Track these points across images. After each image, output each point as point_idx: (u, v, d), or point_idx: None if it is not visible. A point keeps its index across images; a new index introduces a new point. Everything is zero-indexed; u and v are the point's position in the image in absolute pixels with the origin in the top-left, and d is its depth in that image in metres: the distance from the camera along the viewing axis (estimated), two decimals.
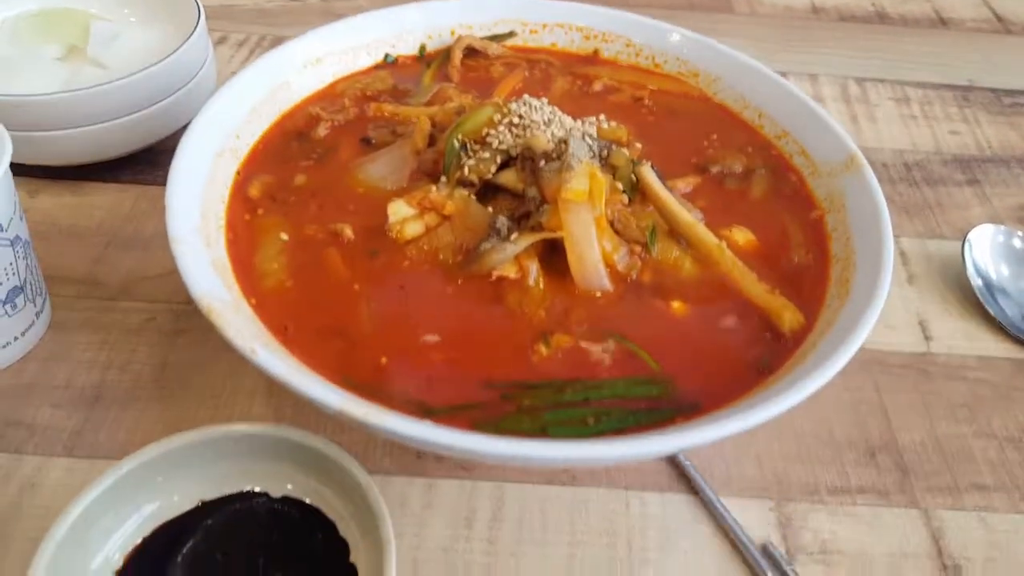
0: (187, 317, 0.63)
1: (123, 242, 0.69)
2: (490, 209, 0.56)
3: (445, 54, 0.72)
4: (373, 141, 0.63)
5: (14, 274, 0.56)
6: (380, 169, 0.60)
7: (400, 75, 0.71)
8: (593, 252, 0.53)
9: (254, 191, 0.58)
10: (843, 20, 1.11)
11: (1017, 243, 0.72)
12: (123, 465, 0.47)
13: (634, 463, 0.55)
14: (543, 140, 0.56)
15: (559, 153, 0.55)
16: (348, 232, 0.55)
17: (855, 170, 0.58)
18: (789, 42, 1.05)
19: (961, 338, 0.69)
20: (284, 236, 0.55)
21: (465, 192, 0.56)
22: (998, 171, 0.87)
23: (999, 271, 0.70)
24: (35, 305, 0.59)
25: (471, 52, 0.73)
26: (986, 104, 0.97)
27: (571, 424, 0.46)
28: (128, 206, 0.73)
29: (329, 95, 0.67)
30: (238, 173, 0.59)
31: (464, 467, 0.56)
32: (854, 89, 0.97)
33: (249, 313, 0.48)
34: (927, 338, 0.68)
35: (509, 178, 0.57)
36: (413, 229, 0.55)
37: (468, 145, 0.58)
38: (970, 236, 0.71)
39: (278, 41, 0.96)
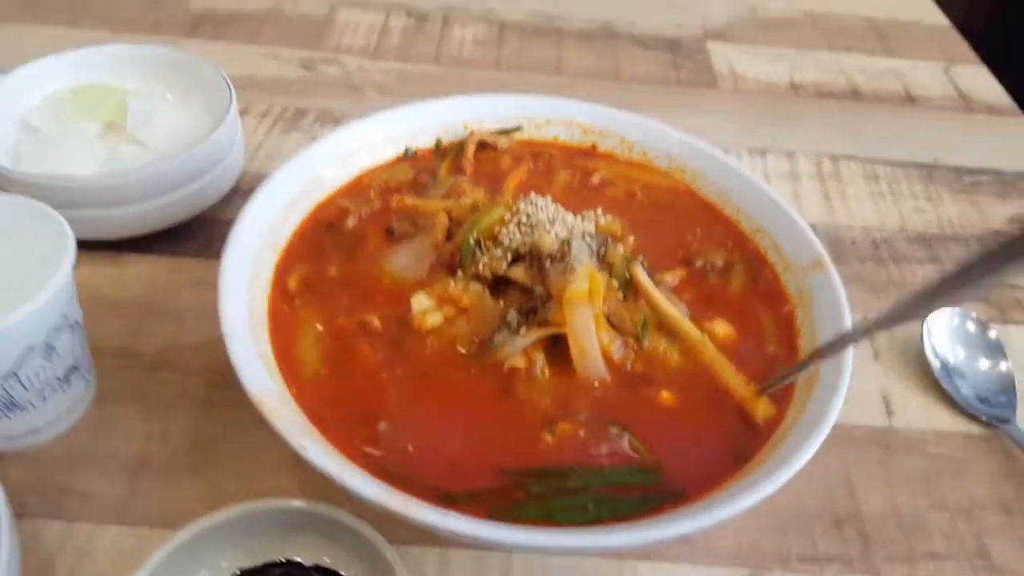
0: (218, 388, 0.69)
1: (159, 313, 0.75)
2: (501, 303, 0.63)
3: (459, 147, 0.79)
4: (396, 232, 0.70)
5: (71, 355, 0.62)
6: (402, 261, 0.67)
7: (419, 167, 0.78)
8: (593, 345, 0.60)
9: (292, 283, 0.65)
10: (820, 96, 1.19)
11: (971, 326, 0.79)
12: (176, 538, 0.53)
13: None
14: (549, 241, 0.63)
15: (563, 254, 0.62)
16: (375, 323, 0.62)
17: (821, 271, 0.66)
18: (768, 118, 1.13)
19: (921, 413, 0.76)
20: (319, 327, 0.62)
21: (479, 287, 0.63)
22: (957, 249, 0.95)
23: (955, 353, 0.78)
24: (85, 380, 0.65)
25: (482, 145, 0.80)
26: (948, 182, 1.05)
27: (574, 511, 0.53)
28: (163, 278, 0.79)
29: (356, 187, 0.74)
30: (277, 266, 0.65)
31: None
32: (828, 166, 1.05)
33: (291, 402, 0.54)
34: (889, 412, 0.76)
35: (519, 273, 0.64)
36: (433, 320, 0.62)
37: (482, 242, 0.65)
38: (928, 321, 0.79)
39: (299, 112, 1.03)
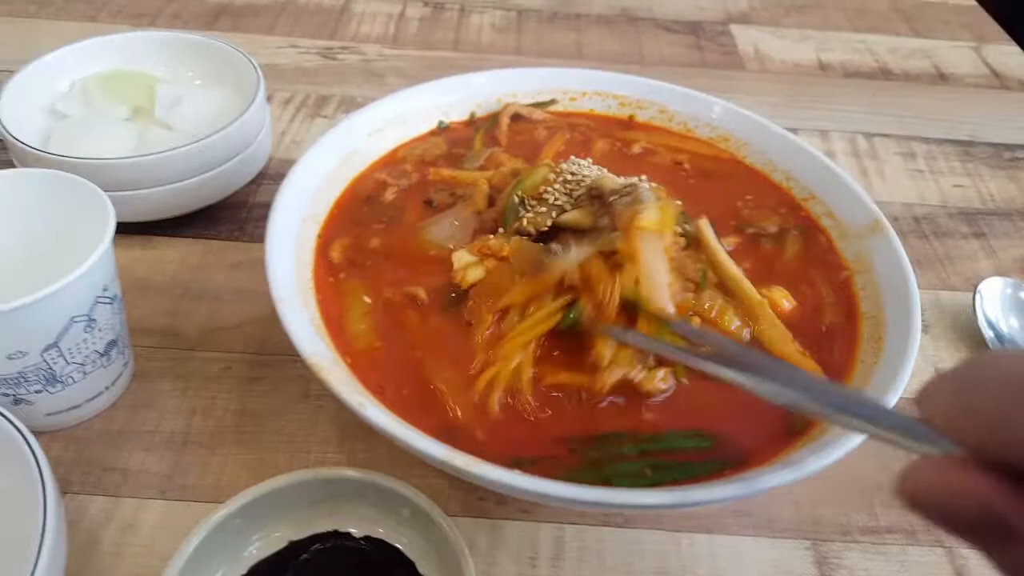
0: (260, 366, 0.68)
1: (195, 294, 0.74)
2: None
3: (492, 120, 0.78)
4: (435, 204, 0.69)
5: (111, 329, 0.61)
6: (445, 230, 0.65)
7: (452, 139, 0.76)
8: (662, 275, 0.57)
9: (335, 254, 0.63)
10: (849, 76, 1.18)
11: None
12: (227, 506, 0.51)
13: (693, 511, 0.60)
14: (612, 179, 0.62)
15: (629, 192, 0.60)
16: (422, 294, 0.61)
17: (879, 233, 0.64)
18: (799, 98, 1.12)
19: None
20: (367, 299, 0.60)
21: (520, 237, 0.62)
22: (1001, 224, 0.93)
23: (1009, 323, 0.76)
24: (123, 356, 0.64)
25: (516, 118, 0.78)
26: (987, 159, 1.03)
27: (633, 476, 0.51)
28: (196, 260, 0.78)
29: (392, 161, 0.73)
30: (319, 236, 0.64)
31: (525, 509, 0.60)
32: (863, 144, 1.03)
33: (347, 372, 0.53)
34: None
35: (574, 217, 0.62)
36: (475, 274, 0.61)
37: (526, 201, 0.64)
38: (980, 288, 0.77)
39: (322, 99, 1.02)
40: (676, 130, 0.78)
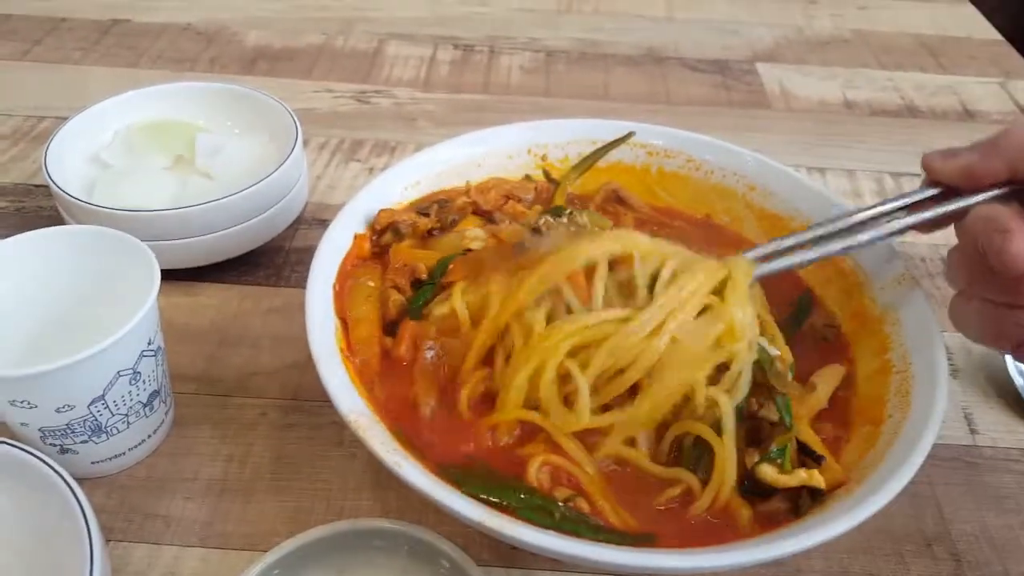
0: (295, 412, 0.70)
1: (233, 340, 0.76)
2: None
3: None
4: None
5: (154, 380, 0.63)
6: None
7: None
8: None
9: None
10: (875, 114, 1.18)
11: None
12: (266, 558, 0.53)
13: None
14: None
15: None
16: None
17: (907, 285, 0.65)
18: (825, 136, 1.12)
19: (1004, 431, 0.74)
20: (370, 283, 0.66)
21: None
22: None
23: None
24: (165, 404, 0.66)
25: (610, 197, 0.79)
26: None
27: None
28: (235, 306, 0.80)
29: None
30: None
31: (557, 560, 0.61)
32: (889, 183, 1.04)
33: (384, 430, 0.54)
34: (972, 431, 0.74)
35: None
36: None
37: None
38: None
39: (356, 143, 1.05)
40: (701, 179, 0.79)
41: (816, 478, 0.54)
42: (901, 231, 0.61)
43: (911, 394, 0.57)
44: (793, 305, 0.70)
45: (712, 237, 0.76)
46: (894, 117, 1.18)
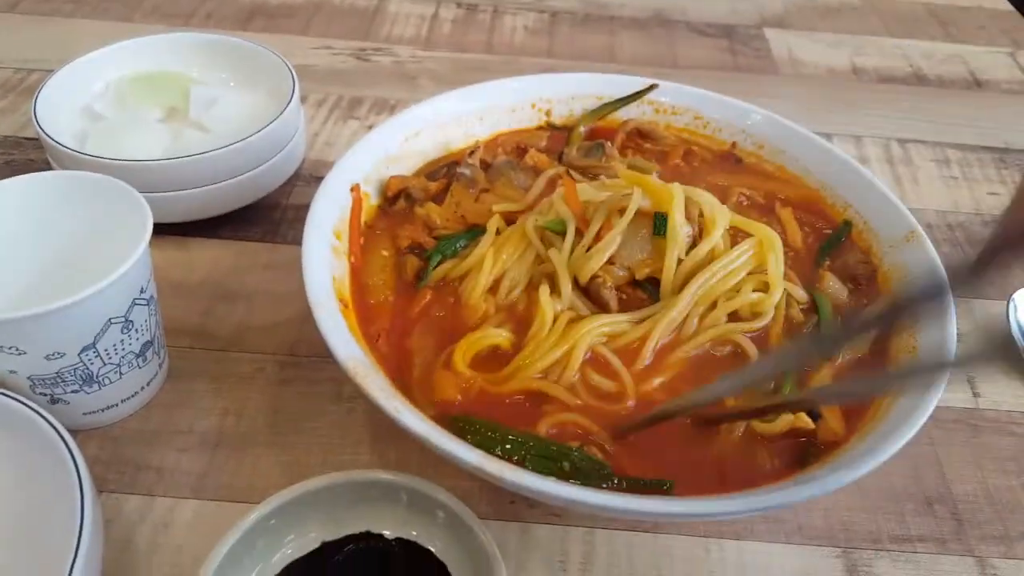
0: (292, 367, 0.69)
1: (228, 296, 0.75)
2: None
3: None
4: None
5: (147, 330, 0.61)
6: None
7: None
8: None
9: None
10: (883, 81, 1.16)
11: None
12: (263, 507, 0.52)
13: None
14: None
15: None
16: None
17: (915, 243, 0.63)
18: (833, 103, 1.10)
19: (1006, 394, 0.73)
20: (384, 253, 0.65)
21: None
22: None
23: None
24: (158, 357, 0.65)
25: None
26: (1022, 166, 1.02)
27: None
28: (230, 262, 0.78)
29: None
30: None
31: (555, 513, 0.60)
32: (896, 150, 1.02)
33: (383, 378, 0.53)
34: (975, 394, 0.73)
35: None
36: None
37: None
38: (1014, 298, 0.76)
39: (355, 101, 1.03)
40: (711, 135, 0.77)
41: (803, 419, 0.55)
42: None
43: (917, 350, 0.56)
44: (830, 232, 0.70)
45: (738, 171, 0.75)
46: (902, 84, 1.16)
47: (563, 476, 0.50)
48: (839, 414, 0.56)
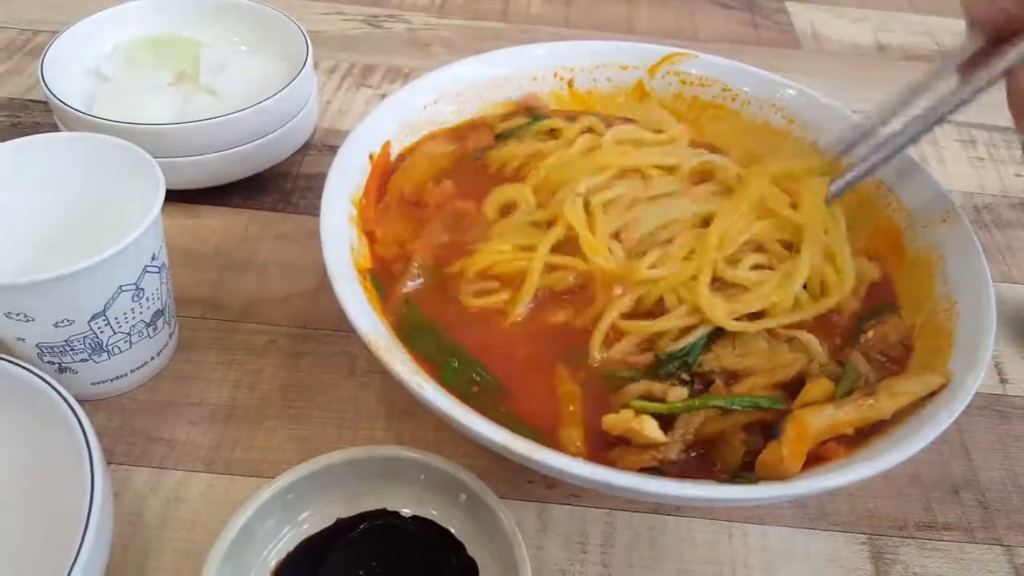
0: (306, 340, 0.67)
1: (240, 265, 0.73)
2: None
3: None
4: None
5: (158, 298, 0.60)
6: None
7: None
8: None
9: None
10: (907, 59, 1.14)
11: None
12: (279, 481, 0.51)
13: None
14: None
15: None
16: None
17: (952, 223, 0.61)
18: (856, 80, 1.08)
19: None
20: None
21: None
22: None
23: None
24: (169, 326, 0.63)
25: None
26: None
27: None
28: (241, 230, 0.76)
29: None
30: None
31: (575, 494, 0.59)
32: None
33: (404, 352, 0.51)
34: (1003, 381, 0.71)
35: None
36: None
37: None
38: None
39: (367, 68, 1.00)
40: (737, 109, 0.75)
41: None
42: (981, 90, 0.60)
43: (954, 337, 0.54)
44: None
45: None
46: (927, 62, 1.13)
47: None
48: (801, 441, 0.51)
